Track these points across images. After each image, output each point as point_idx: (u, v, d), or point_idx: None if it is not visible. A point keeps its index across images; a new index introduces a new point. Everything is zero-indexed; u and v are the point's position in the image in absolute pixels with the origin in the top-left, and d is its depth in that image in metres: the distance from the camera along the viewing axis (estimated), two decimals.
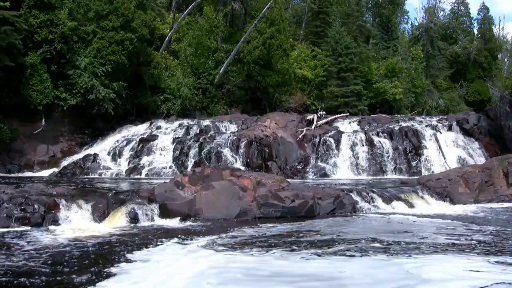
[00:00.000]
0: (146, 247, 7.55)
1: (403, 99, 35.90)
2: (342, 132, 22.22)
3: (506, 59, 60.61)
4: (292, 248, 7.52)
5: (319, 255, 7.05)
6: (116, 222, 9.61)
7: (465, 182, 13.53)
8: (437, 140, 21.22)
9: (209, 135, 21.62)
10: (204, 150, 20.25)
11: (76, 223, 9.43)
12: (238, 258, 6.86)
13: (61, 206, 9.68)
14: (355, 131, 22.59)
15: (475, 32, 52.01)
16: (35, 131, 22.00)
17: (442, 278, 5.85)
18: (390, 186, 14.39)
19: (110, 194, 11.36)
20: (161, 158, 20.62)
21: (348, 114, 27.65)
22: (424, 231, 8.91)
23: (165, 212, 10.24)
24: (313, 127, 22.76)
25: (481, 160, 19.48)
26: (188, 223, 10.02)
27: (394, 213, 11.28)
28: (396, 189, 13.30)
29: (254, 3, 32.36)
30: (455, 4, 52.75)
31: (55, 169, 20.81)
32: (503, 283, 5.66)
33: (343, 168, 20.43)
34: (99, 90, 22.30)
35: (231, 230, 9.13)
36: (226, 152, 20.10)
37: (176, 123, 23.81)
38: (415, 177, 17.31)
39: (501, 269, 6.24)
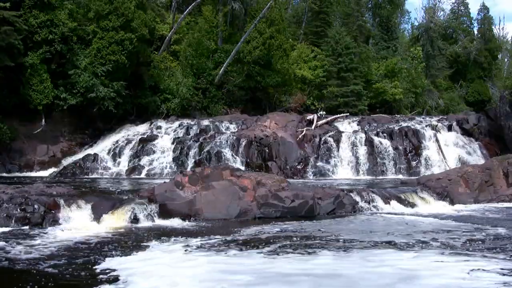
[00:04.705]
0: (147, 248, 7.53)
1: (403, 99, 35.88)
2: (342, 132, 22.22)
3: (506, 59, 60.58)
4: (293, 248, 7.52)
5: (318, 255, 7.06)
6: (116, 222, 9.59)
7: (465, 182, 13.53)
8: (437, 140, 21.22)
9: (209, 135, 21.62)
10: (204, 150, 20.26)
11: (76, 223, 9.42)
12: (242, 259, 6.83)
13: (61, 206, 9.67)
14: (355, 131, 22.60)
15: (475, 32, 52.01)
16: (35, 131, 22.01)
17: (416, 268, 6.24)
18: (390, 186, 14.40)
19: (110, 194, 11.37)
20: (161, 158, 20.63)
21: (348, 114, 27.65)
22: (422, 231, 8.91)
23: (165, 212, 10.22)
24: (313, 127, 22.77)
25: (481, 160, 19.48)
26: (188, 223, 10.00)
27: (394, 213, 11.28)
28: (396, 189, 13.29)
29: (254, 3, 32.33)
30: (455, 4, 52.76)
31: (55, 169, 20.82)
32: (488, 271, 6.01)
33: (343, 168, 20.44)
34: (99, 89, 22.32)
35: (232, 230, 9.11)
36: (226, 152, 20.10)
37: (176, 123, 23.83)
38: (415, 177, 17.32)
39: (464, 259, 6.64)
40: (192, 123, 23.78)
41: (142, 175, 19.66)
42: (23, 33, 20.89)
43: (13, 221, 9.14)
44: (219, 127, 23.33)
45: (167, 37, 28.61)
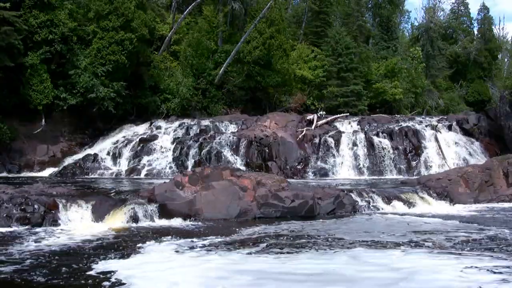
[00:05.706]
0: (147, 249, 7.53)
1: (403, 99, 35.87)
2: (342, 132, 22.22)
3: (506, 59, 60.57)
4: (293, 248, 7.52)
5: (318, 255, 7.07)
6: (116, 222, 9.60)
7: (465, 182, 13.54)
8: (437, 140, 21.21)
9: (209, 135, 21.61)
10: (204, 150, 20.24)
11: (76, 223, 9.44)
12: (242, 259, 6.85)
13: (61, 206, 9.68)
14: (355, 131, 22.59)
15: (475, 32, 52.03)
16: (35, 131, 22.01)
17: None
18: (390, 186, 14.40)
19: (110, 194, 11.37)
20: (161, 158, 20.62)
21: (348, 114, 27.65)
22: (421, 231, 8.93)
23: (165, 212, 10.23)
24: (313, 127, 22.76)
25: (481, 160, 19.47)
26: (188, 223, 10.01)
27: (394, 213, 11.29)
28: (396, 189, 13.30)
29: (254, 3, 32.32)
30: (455, 4, 52.78)
31: (55, 169, 20.81)
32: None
33: (343, 168, 20.44)
34: (99, 90, 22.32)
35: (232, 230, 9.12)
36: (226, 152, 20.09)
37: (176, 123, 23.82)
38: (415, 177, 17.31)
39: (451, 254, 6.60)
40: (192, 123, 23.78)
41: (142, 175, 19.65)
42: (23, 33, 20.88)
43: (13, 221, 9.15)
44: (219, 127, 23.33)
45: (167, 37, 28.61)
